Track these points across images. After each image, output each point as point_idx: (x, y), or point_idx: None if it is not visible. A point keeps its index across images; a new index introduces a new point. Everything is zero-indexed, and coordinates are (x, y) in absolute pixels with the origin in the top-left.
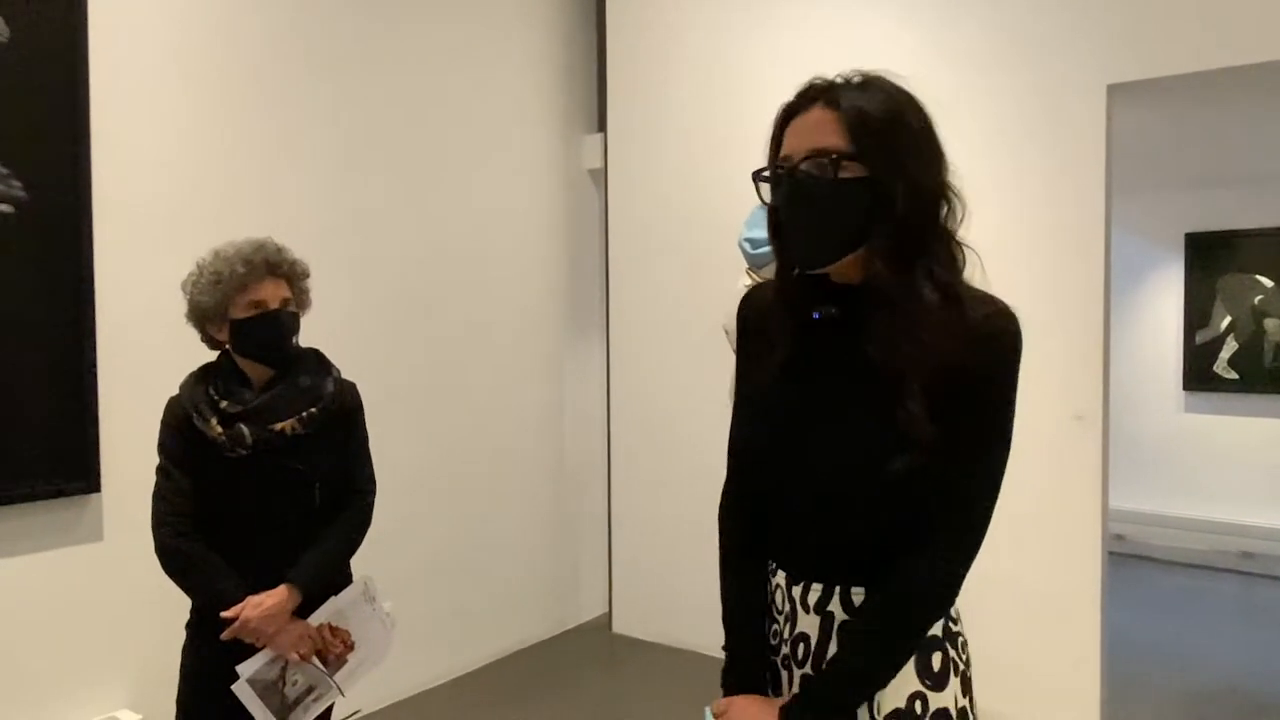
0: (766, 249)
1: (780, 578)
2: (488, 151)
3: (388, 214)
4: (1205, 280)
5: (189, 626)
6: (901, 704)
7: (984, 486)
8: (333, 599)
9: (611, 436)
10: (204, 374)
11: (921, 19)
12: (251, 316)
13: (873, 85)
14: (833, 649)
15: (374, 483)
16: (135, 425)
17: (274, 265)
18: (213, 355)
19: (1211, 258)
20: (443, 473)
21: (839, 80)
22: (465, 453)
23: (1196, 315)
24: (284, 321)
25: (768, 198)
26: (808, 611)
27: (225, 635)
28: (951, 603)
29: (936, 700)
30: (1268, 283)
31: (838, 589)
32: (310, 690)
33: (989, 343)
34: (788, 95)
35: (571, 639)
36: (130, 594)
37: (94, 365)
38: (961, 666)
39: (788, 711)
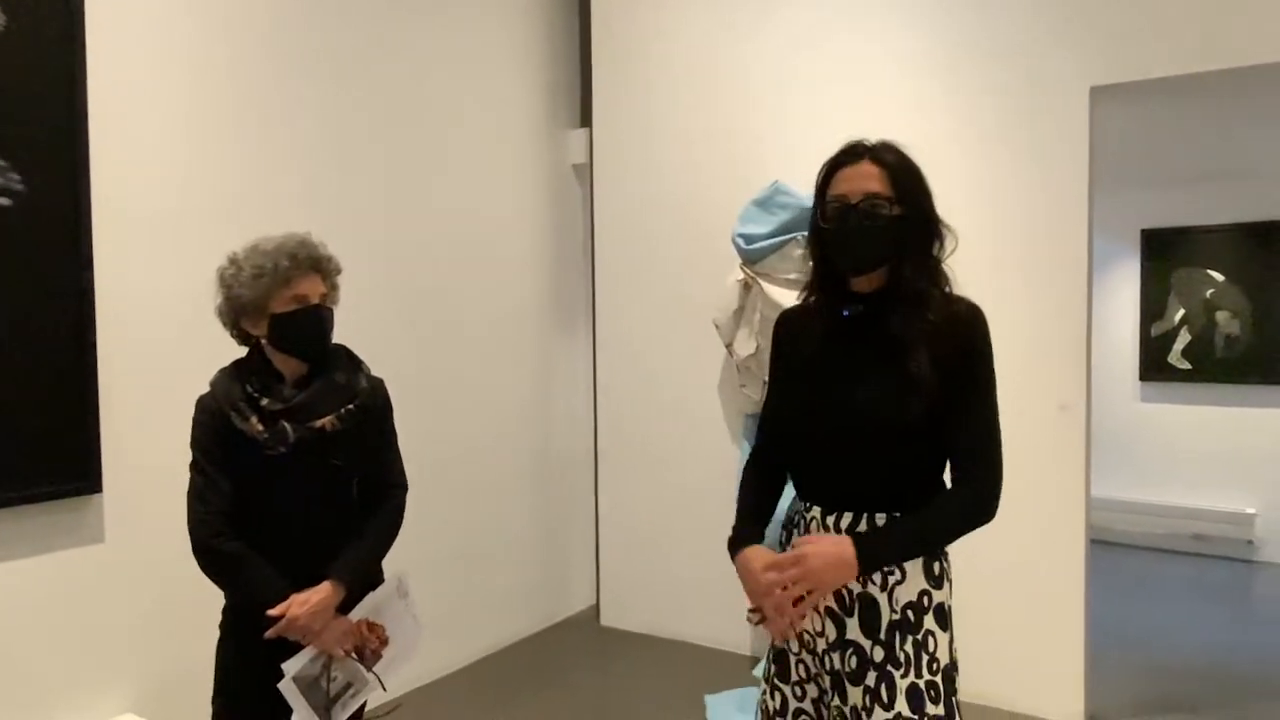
0: (760, 245)
1: (815, 511)
2: (472, 147)
3: (371, 211)
4: (1160, 275)
5: (223, 625)
6: (914, 598)
7: (988, 429)
8: (370, 595)
9: (598, 430)
10: (237, 371)
11: (908, 20)
12: (294, 311)
13: (893, 148)
14: None
15: (406, 478)
16: (138, 423)
17: (317, 261)
18: (220, 352)
19: (1166, 253)
20: (428, 469)
21: (871, 143)
22: (451, 449)
23: (1152, 308)
24: (325, 317)
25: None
26: (840, 534)
27: (271, 633)
28: (991, 515)
29: (936, 596)
30: (1219, 277)
31: (865, 515)
32: (349, 686)
33: (972, 325)
34: (775, 95)
35: (560, 633)
36: (133, 596)
37: (94, 362)
38: (950, 574)
39: (860, 539)
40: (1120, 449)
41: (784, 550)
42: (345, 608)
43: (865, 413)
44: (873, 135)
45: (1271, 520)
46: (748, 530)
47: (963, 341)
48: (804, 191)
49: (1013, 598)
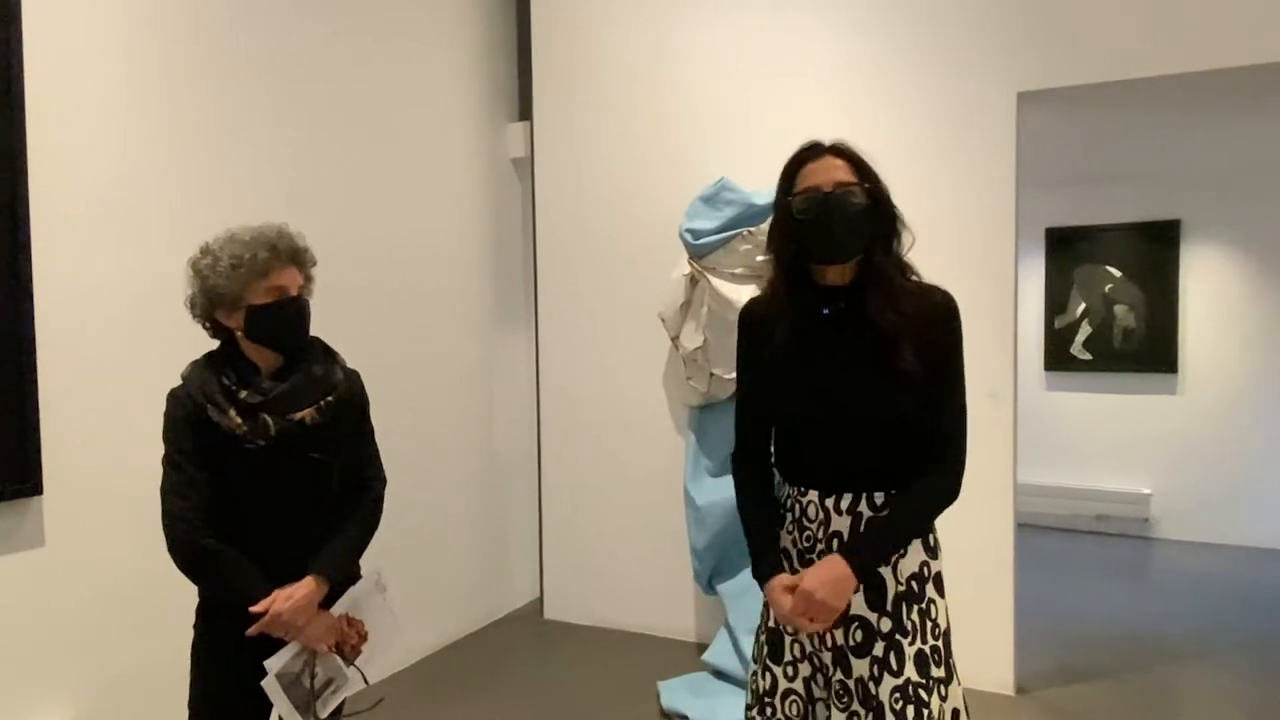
0: (707, 240)
1: (812, 495)
2: (408, 141)
3: (304, 208)
4: (1063, 271)
5: (199, 624)
6: (916, 569)
7: (961, 413)
8: (350, 590)
9: (541, 424)
10: (211, 363)
11: (845, 24)
12: (272, 303)
13: (850, 145)
14: None
15: (384, 472)
16: (80, 424)
17: (295, 252)
18: (167, 350)
19: (1068, 251)
20: None
21: (831, 142)
22: (389, 446)
23: (1055, 302)
24: (303, 309)
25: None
26: (840, 514)
27: (253, 630)
28: (958, 494)
29: (934, 566)
30: (1117, 273)
31: (864, 495)
32: (330, 682)
33: (948, 317)
34: (718, 91)
35: (504, 628)
36: (74, 601)
37: (34, 362)
38: (940, 545)
39: (851, 554)
40: (1028, 435)
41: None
42: (327, 603)
43: (857, 407)
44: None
45: (1165, 499)
46: (770, 558)
47: (942, 331)
48: (749, 188)
49: (949, 577)
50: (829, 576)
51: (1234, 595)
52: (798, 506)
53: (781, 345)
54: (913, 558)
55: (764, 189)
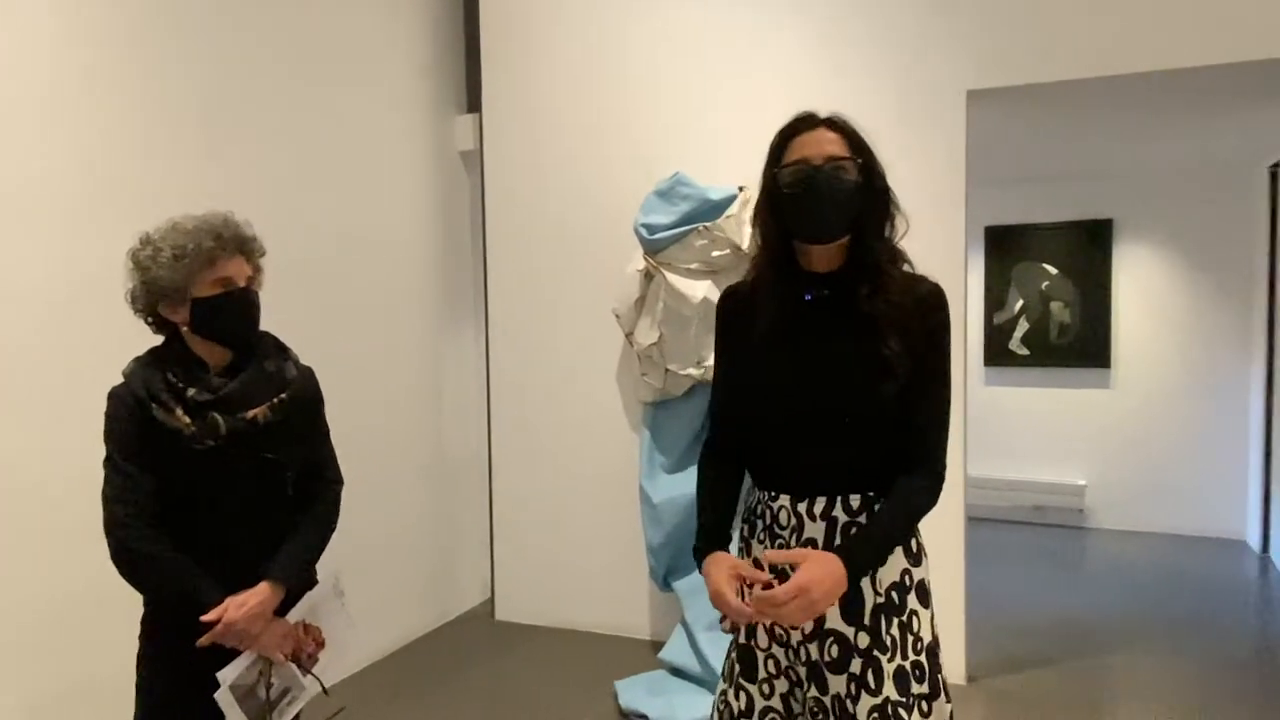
0: (662, 235)
1: (784, 500)
2: (352, 132)
3: (246, 201)
4: (1002, 268)
5: (145, 635)
6: (896, 577)
7: (945, 409)
8: (307, 595)
9: (492, 422)
10: (155, 360)
11: (798, 19)
12: (218, 295)
13: (846, 119)
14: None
15: (340, 472)
16: (12, 426)
17: (242, 241)
18: (94, 350)
19: (1007, 248)
20: None
21: (824, 114)
22: (336, 443)
23: (994, 299)
24: (252, 301)
25: (789, 187)
26: (814, 520)
27: (205, 640)
28: (939, 495)
29: (916, 574)
30: (1053, 271)
31: (839, 499)
32: (286, 692)
33: (936, 309)
34: (672, 83)
35: (454, 630)
36: (9, 612)
37: None
38: (925, 550)
39: (846, 555)
40: (969, 430)
41: (740, 544)
42: (282, 609)
43: (838, 397)
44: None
45: (1099, 491)
46: (708, 542)
47: (929, 323)
48: (703, 183)
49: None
50: (828, 573)
51: (1164, 581)
52: (768, 513)
53: (762, 333)
54: (893, 566)
55: (719, 184)
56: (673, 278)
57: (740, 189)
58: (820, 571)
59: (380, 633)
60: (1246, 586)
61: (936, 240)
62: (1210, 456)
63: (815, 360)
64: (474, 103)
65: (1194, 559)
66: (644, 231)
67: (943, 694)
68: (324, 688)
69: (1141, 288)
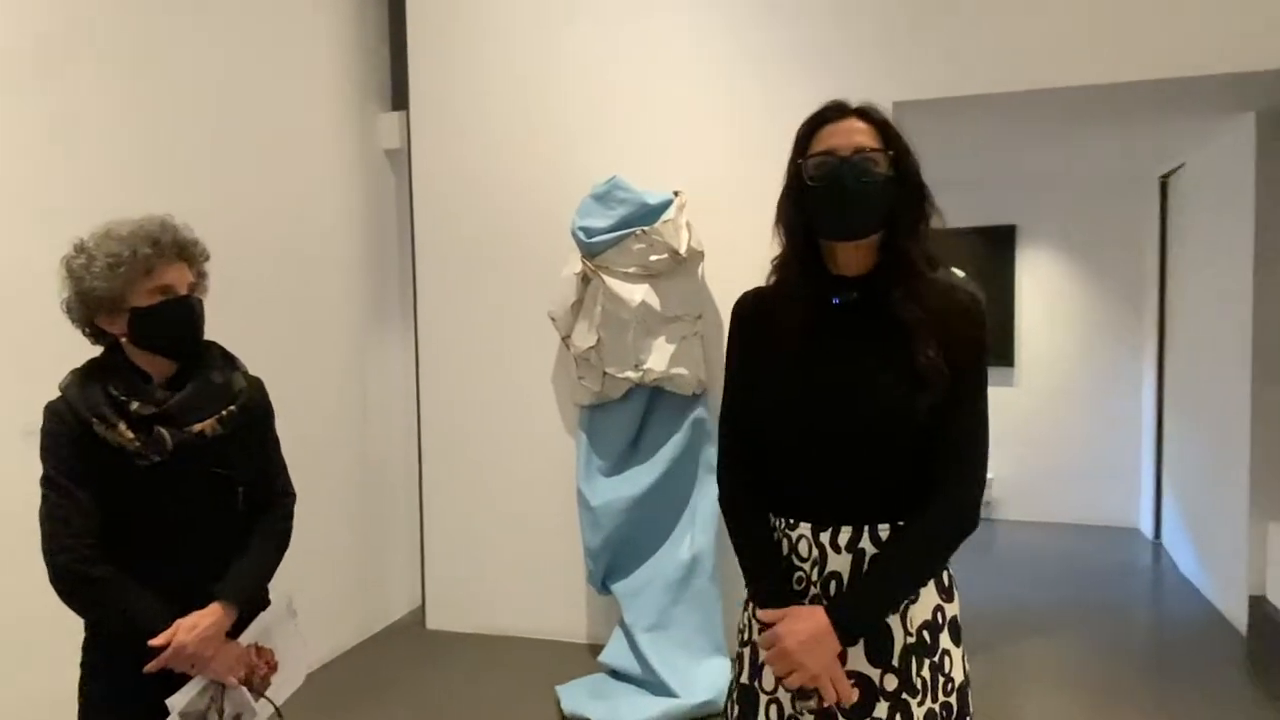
0: (600, 239)
1: (804, 529)
2: (270, 129)
3: (158, 198)
4: None
5: (86, 663)
6: (929, 616)
7: (984, 425)
8: (260, 616)
9: (422, 427)
10: (94, 373)
11: (728, 25)
12: (158, 304)
13: (877, 108)
14: None
15: (293, 486)
16: None
17: (183, 246)
18: (22, 361)
19: None
20: None
21: (856, 103)
22: None
23: None
24: (195, 309)
25: (813, 179)
26: (839, 552)
27: (154, 665)
28: (976, 522)
29: (949, 610)
30: (961, 274)
31: (866, 528)
32: (238, 718)
33: (977, 321)
34: (604, 83)
35: (384, 642)
36: None
37: None
38: (956, 583)
39: (834, 607)
40: None
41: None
42: (234, 631)
43: (871, 409)
44: (695, 134)
45: (1004, 483)
46: (771, 577)
47: (966, 333)
48: (639, 187)
49: None
50: (804, 629)
51: (1066, 568)
52: (785, 543)
53: (784, 341)
54: (925, 603)
55: (654, 188)
56: (611, 281)
57: (676, 193)
58: (794, 624)
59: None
60: (1141, 571)
61: None
62: (1106, 450)
63: (843, 372)
64: (399, 100)
65: (1093, 546)
66: (582, 235)
67: None
68: (278, 710)
69: (1043, 290)
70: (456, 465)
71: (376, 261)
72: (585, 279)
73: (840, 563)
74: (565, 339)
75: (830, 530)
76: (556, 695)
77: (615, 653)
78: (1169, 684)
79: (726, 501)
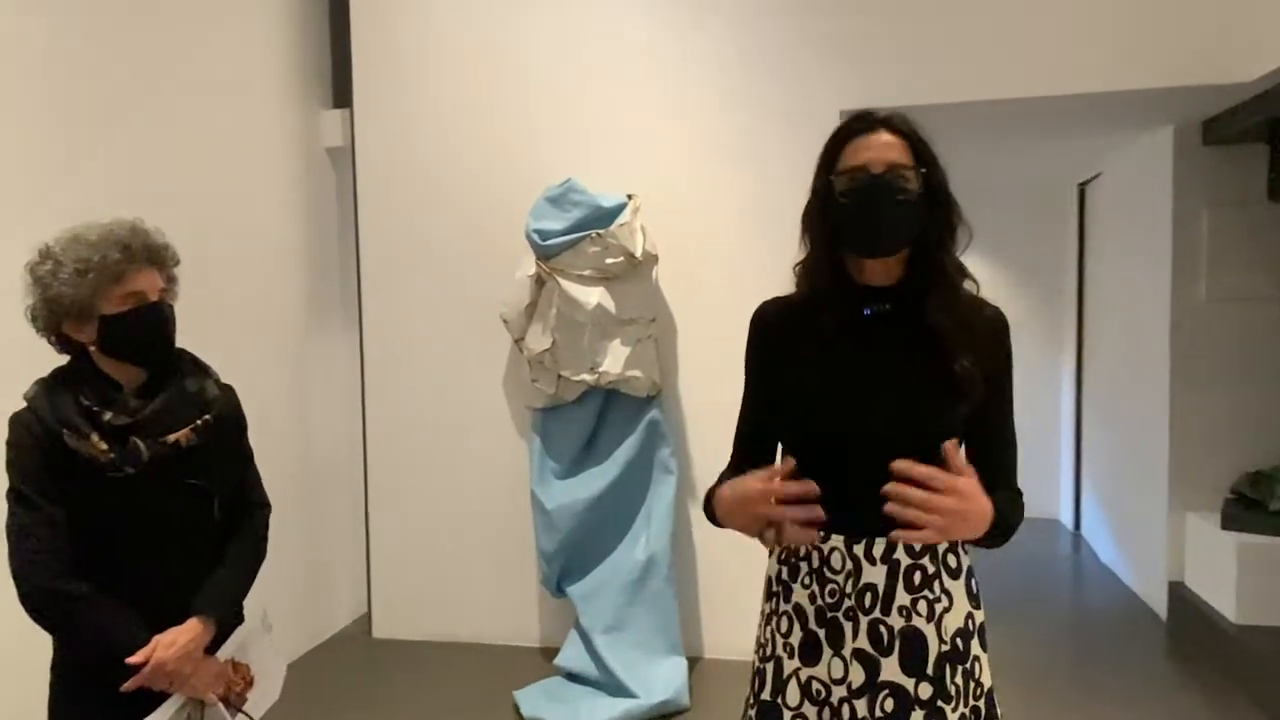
0: (555, 241)
1: (836, 541)
2: (207, 125)
3: (89, 199)
4: None
5: (56, 683)
6: (961, 623)
7: (1015, 443)
8: (237, 631)
9: (368, 432)
10: (62, 382)
11: (682, 30)
12: (129, 311)
13: (907, 118)
14: (900, 592)
15: (267, 496)
16: None
17: (153, 251)
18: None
19: None
20: None
21: (883, 113)
22: None
23: None
24: (166, 316)
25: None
26: (874, 564)
27: (131, 685)
28: (1019, 523)
29: (978, 617)
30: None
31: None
32: None
33: (1005, 332)
34: (555, 84)
35: (329, 652)
36: None
37: None
38: (979, 590)
39: (996, 505)
40: None
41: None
42: (212, 647)
43: (908, 419)
44: (648, 137)
45: None
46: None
47: (997, 348)
48: (593, 190)
49: (737, 559)
50: (982, 503)
51: (991, 559)
52: (816, 555)
53: (816, 351)
54: (958, 611)
55: (608, 191)
56: (566, 284)
57: (629, 197)
58: (978, 491)
59: None
60: (1063, 561)
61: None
62: (1028, 446)
63: (877, 382)
64: (342, 97)
65: (1017, 538)
66: (536, 237)
67: None
68: None
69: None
70: (403, 469)
71: (318, 262)
72: (539, 281)
73: (875, 574)
74: (518, 342)
75: (864, 542)
76: (514, 700)
77: (571, 655)
78: (1094, 667)
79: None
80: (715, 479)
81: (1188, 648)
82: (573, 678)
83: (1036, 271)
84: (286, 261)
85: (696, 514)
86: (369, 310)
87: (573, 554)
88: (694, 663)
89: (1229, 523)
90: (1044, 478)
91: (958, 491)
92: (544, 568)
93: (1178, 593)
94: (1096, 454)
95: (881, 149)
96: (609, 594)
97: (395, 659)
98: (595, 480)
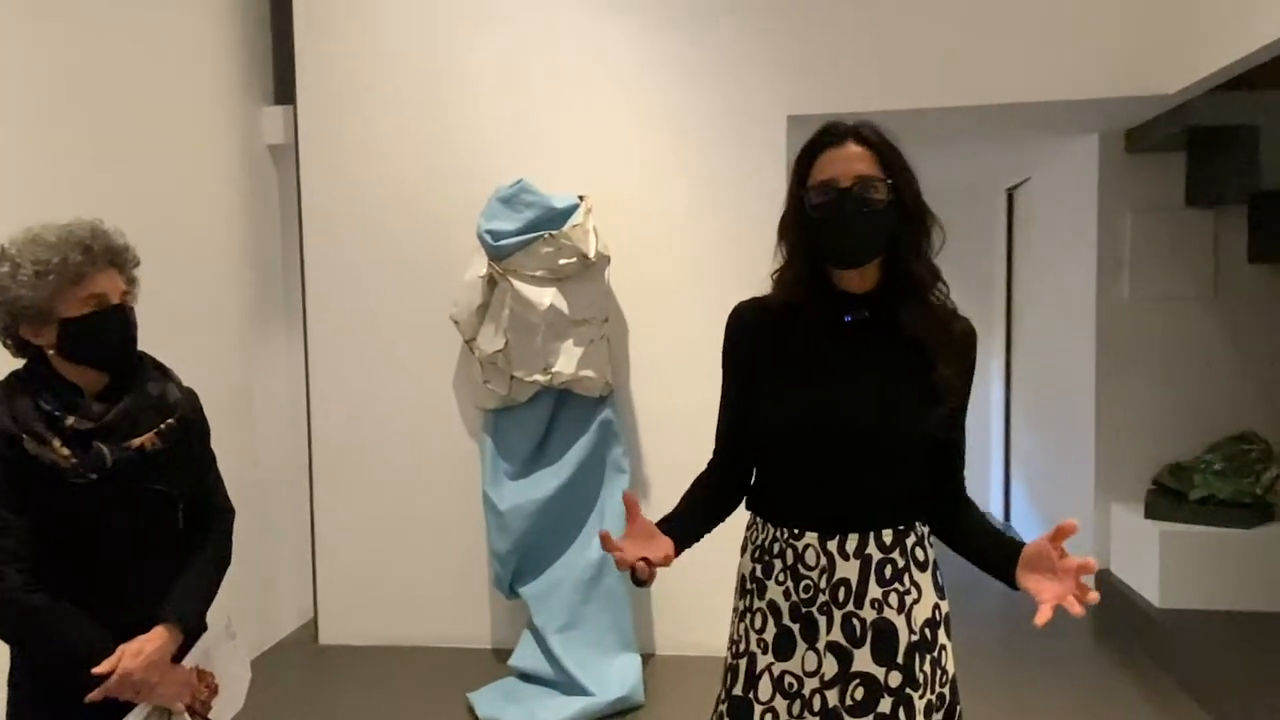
0: (508, 242)
1: (810, 538)
2: (143, 123)
3: (20, 198)
4: None
5: (15, 697)
6: (929, 614)
7: (964, 445)
8: (202, 638)
9: (313, 434)
10: (20, 386)
11: (630, 34)
12: (90, 314)
13: (874, 127)
14: (873, 586)
15: (230, 502)
16: None
17: (114, 252)
18: None
19: None
20: None
21: (850, 123)
22: None
23: None
24: (129, 319)
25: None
26: (847, 559)
27: (96, 695)
28: None
29: (944, 607)
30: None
31: (872, 534)
32: None
33: (972, 346)
34: (503, 84)
35: (274, 660)
36: None
37: None
38: (944, 582)
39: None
40: None
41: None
42: (178, 654)
43: (887, 422)
44: (600, 138)
45: None
46: (679, 520)
47: (965, 360)
48: (545, 190)
49: (704, 557)
50: None
51: None
52: (790, 552)
53: (797, 355)
54: (925, 602)
55: (561, 192)
56: (519, 285)
57: (581, 198)
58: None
59: None
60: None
61: (752, 262)
62: None
63: (857, 385)
64: (284, 94)
65: None
66: (489, 238)
67: None
68: None
69: None
70: (350, 472)
71: (260, 262)
72: (491, 282)
73: (849, 569)
74: (469, 342)
75: (838, 538)
76: (469, 702)
77: (525, 655)
78: (1023, 653)
79: (694, 485)
80: (664, 475)
81: (1114, 631)
82: (526, 678)
83: (966, 273)
84: (227, 262)
85: (648, 512)
86: (314, 311)
87: (526, 554)
88: (646, 659)
89: (1152, 512)
90: (975, 471)
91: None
92: (497, 569)
93: (1104, 579)
94: (1025, 448)
95: (849, 161)
96: (563, 593)
97: (344, 664)
98: (548, 480)
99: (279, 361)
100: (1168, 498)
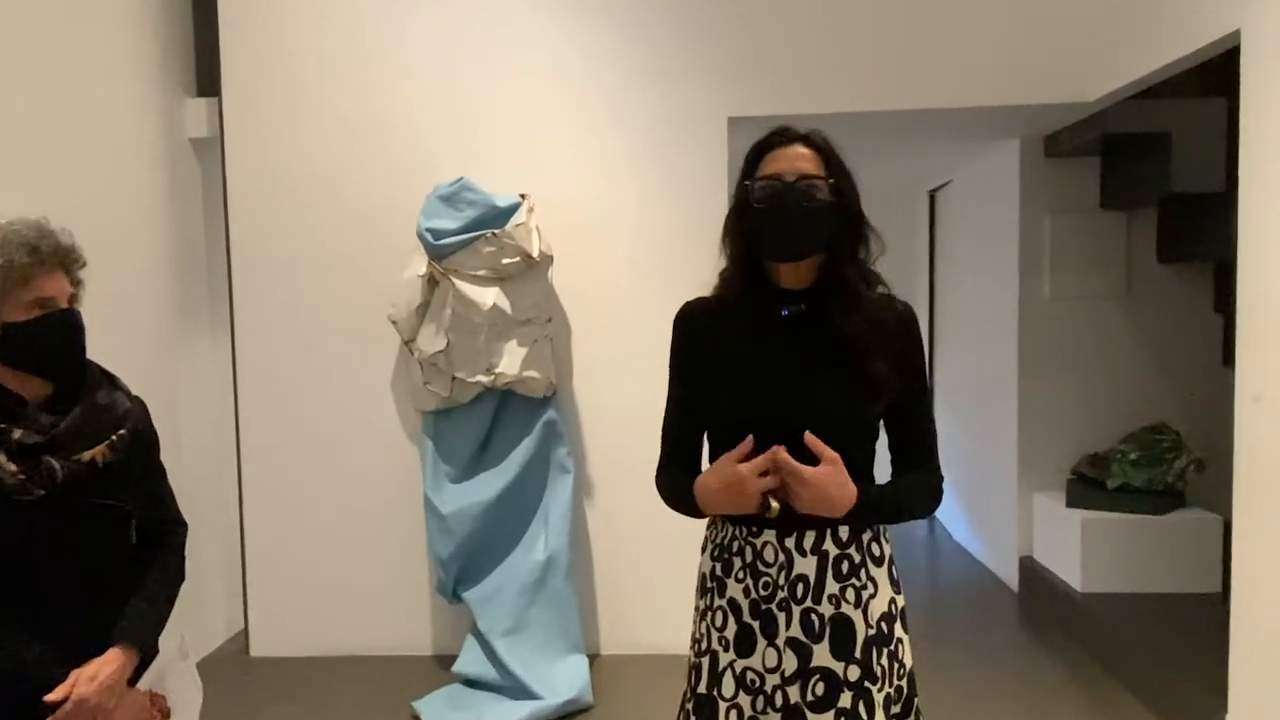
0: (449, 241)
1: (768, 535)
2: (56, 115)
3: None
4: None
5: None
6: (885, 608)
7: (933, 425)
8: (156, 660)
9: (241, 439)
10: None
11: (571, 34)
12: (38, 319)
13: (822, 135)
14: (830, 581)
15: (182, 515)
16: None
17: (62, 254)
18: None
19: None
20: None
21: (805, 130)
22: None
23: None
24: (78, 323)
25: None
26: (804, 555)
27: None
28: (939, 504)
29: (900, 601)
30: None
31: (829, 530)
32: None
33: (914, 325)
34: (440, 77)
35: (202, 674)
36: None
37: None
38: (899, 576)
39: (864, 493)
40: None
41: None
42: (132, 677)
43: (826, 417)
44: (542, 137)
45: None
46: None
47: (908, 340)
48: (487, 189)
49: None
50: (843, 486)
51: None
52: (749, 550)
53: (737, 351)
54: (882, 597)
55: (502, 191)
56: (461, 284)
57: (523, 197)
58: (841, 479)
59: None
60: (919, 541)
61: (693, 262)
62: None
63: (796, 381)
64: (208, 85)
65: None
66: (429, 237)
67: (917, 716)
68: None
69: None
70: (281, 477)
71: (182, 260)
72: (432, 281)
73: (807, 565)
74: (409, 343)
75: (795, 535)
76: (414, 711)
77: (470, 661)
78: (953, 634)
79: (665, 490)
80: (609, 475)
81: (1038, 615)
82: (471, 683)
83: (889, 272)
84: (148, 259)
85: (592, 513)
86: (241, 312)
87: (470, 558)
88: (592, 660)
89: (1072, 501)
90: None
91: (821, 480)
92: (439, 574)
93: (1027, 566)
94: (950, 442)
95: (795, 159)
96: (508, 596)
97: (278, 678)
98: (492, 482)
99: (204, 363)
100: (1087, 487)
